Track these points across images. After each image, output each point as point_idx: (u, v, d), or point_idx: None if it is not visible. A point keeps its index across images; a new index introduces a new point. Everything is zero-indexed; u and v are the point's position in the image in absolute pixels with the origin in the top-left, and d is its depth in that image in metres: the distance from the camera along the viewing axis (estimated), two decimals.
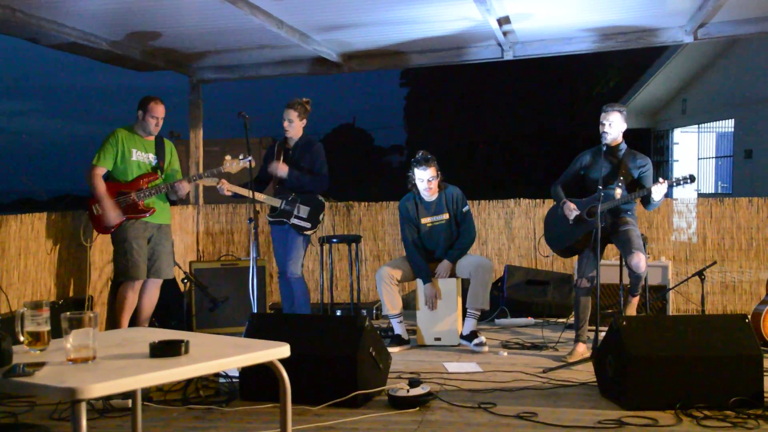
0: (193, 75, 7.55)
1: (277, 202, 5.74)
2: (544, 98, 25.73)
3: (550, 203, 6.74)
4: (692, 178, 4.93)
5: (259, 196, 5.60)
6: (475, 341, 5.33)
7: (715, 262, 6.42)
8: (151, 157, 5.39)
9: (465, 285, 5.57)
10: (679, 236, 6.97)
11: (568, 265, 6.82)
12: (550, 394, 4.17)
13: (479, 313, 5.45)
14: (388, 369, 4.29)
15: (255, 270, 5.19)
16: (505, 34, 6.51)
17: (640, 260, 4.84)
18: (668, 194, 5.18)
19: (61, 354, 2.25)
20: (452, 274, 5.56)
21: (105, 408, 3.88)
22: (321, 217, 5.84)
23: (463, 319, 5.51)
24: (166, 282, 5.59)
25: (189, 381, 4.06)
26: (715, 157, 17.07)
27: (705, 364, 3.80)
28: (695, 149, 17.49)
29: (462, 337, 5.44)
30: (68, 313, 2.25)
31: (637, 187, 5.00)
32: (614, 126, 5.00)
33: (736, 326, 3.95)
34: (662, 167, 17.70)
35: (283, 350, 2.49)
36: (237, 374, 4.19)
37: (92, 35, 6.00)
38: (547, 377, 4.55)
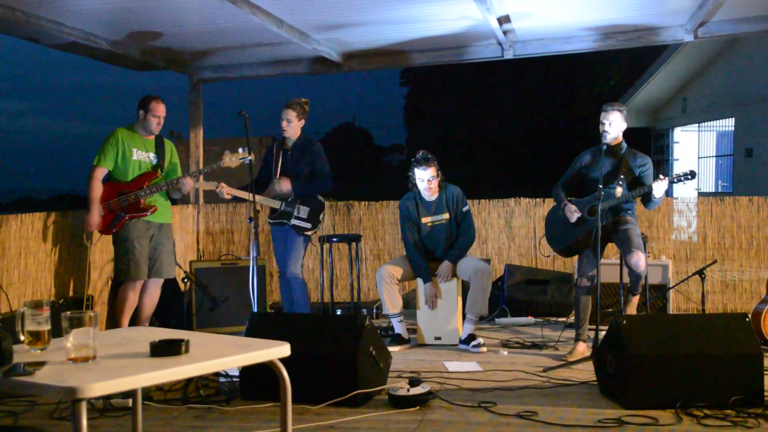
0: (193, 74, 7.55)
1: (276, 204, 5.74)
2: (544, 97, 25.73)
3: (550, 202, 6.75)
4: (693, 174, 4.93)
5: (259, 199, 5.59)
6: (473, 343, 5.33)
7: (715, 261, 6.42)
8: (152, 156, 5.40)
9: (465, 286, 5.57)
10: (679, 235, 6.97)
11: (569, 265, 6.82)
12: (551, 393, 4.17)
13: (477, 318, 5.45)
14: (389, 368, 4.29)
15: (255, 269, 5.19)
16: (505, 33, 6.51)
17: (639, 259, 4.84)
18: (669, 193, 5.18)
19: (62, 353, 2.25)
20: (453, 274, 5.56)
21: (105, 407, 3.88)
22: (321, 217, 5.84)
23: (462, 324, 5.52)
24: (167, 281, 5.59)
25: (189, 380, 4.06)
26: (716, 156, 17.06)
27: (705, 363, 3.80)
28: (695, 148, 17.48)
29: (461, 341, 5.43)
30: (68, 312, 2.25)
31: (637, 186, 5.00)
32: (614, 125, 5.00)
33: (737, 325, 3.95)
34: (662, 166, 17.69)
35: (284, 349, 2.49)
36: (237, 373, 4.19)
37: (92, 35, 6.01)
38: (547, 376, 4.55)
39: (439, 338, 5.55)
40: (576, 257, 5.38)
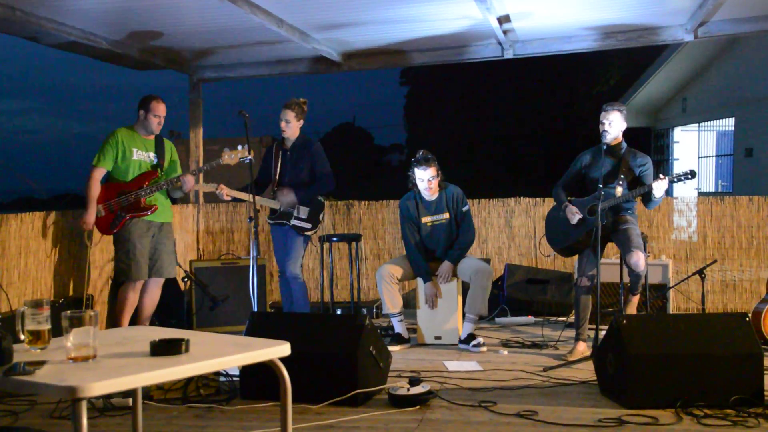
0: (193, 74, 7.54)
1: (276, 205, 5.73)
2: (544, 97, 25.73)
3: (550, 202, 6.75)
4: (693, 174, 4.93)
5: (259, 200, 5.59)
6: (473, 343, 5.33)
7: (715, 261, 6.42)
8: (152, 156, 5.40)
9: (465, 285, 5.57)
10: (679, 235, 6.97)
11: (569, 264, 6.82)
12: (551, 393, 4.17)
13: (477, 318, 5.45)
14: (389, 368, 4.30)
15: (255, 269, 5.19)
16: (505, 32, 6.51)
17: (639, 259, 4.84)
18: (669, 192, 5.18)
19: (62, 352, 2.25)
20: (453, 274, 5.56)
21: (105, 406, 3.88)
22: (321, 216, 5.84)
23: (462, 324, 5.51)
24: (167, 281, 5.59)
25: (189, 379, 4.06)
26: (716, 156, 17.07)
27: (705, 363, 3.80)
28: (695, 148, 17.49)
29: (460, 341, 5.43)
30: (69, 311, 2.25)
31: (637, 186, 5.00)
32: (614, 125, 5.00)
33: (737, 325, 3.95)
34: (662, 166, 17.69)
35: (284, 349, 2.49)
36: (237, 373, 4.19)
37: (92, 34, 6.01)
38: (547, 376, 4.55)
39: (439, 338, 5.55)
40: (576, 257, 5.38)
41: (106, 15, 5.61)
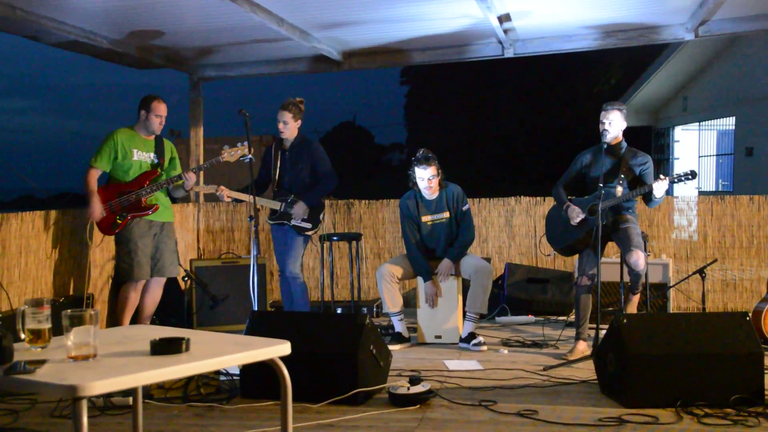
0: (193, 73, 7.54)
1: (276, 205, 5.73)
2: (544, 96, 25.72)
3: (550, 201, 6.75)
4: (693, 174, 4.93)
5: (259, 200, 5.58)
6: (474, 341, 5.33)
7: (715, 260, 6.42)
8: (152, 156, 5.40)
9: (465, 284, 5.57)
10: (679, 234, 6.97)
11: (569, 263, 6.82)
12: (551, 392, 4.18)
13: (478, 317, 5.45)
14: (389, 367, 4.30)
15: (255, 268, 5.19)
16: (505, 31, 6.50)
17: (639, 258, 4.84)
18: (669, 192, 5.18)
19: (62, 351, 2.25)
20: (455, 272, 5.56)
21: (106, 405, 3.89)
22: (321, 216, 5.84)
23: (462, 323, 5.52)
24: (167, 280, 5.59)
25: (190, 378, 4.07)
26: (716, 155, 17.05)
27: (705, 362, 3.81)
28: (696, 147, 17.47)
29: (461, 340, 5.43)
30: (69, 310, 2.26)
31: (638, 185, 5.00)
32: (614, 124, 4.99)
33: (737, 324, 3.95)
34: (663, 165, 17.68)
35: (284, 348, 2.49)
36: (238, 372, 4.19)
37: (92, 33, 6.00)
38: (547, 375, 4.55)
39: (439, 337, 5.55)
40: (576, 256, 5.38)
41: (106, 14, 5.61)
